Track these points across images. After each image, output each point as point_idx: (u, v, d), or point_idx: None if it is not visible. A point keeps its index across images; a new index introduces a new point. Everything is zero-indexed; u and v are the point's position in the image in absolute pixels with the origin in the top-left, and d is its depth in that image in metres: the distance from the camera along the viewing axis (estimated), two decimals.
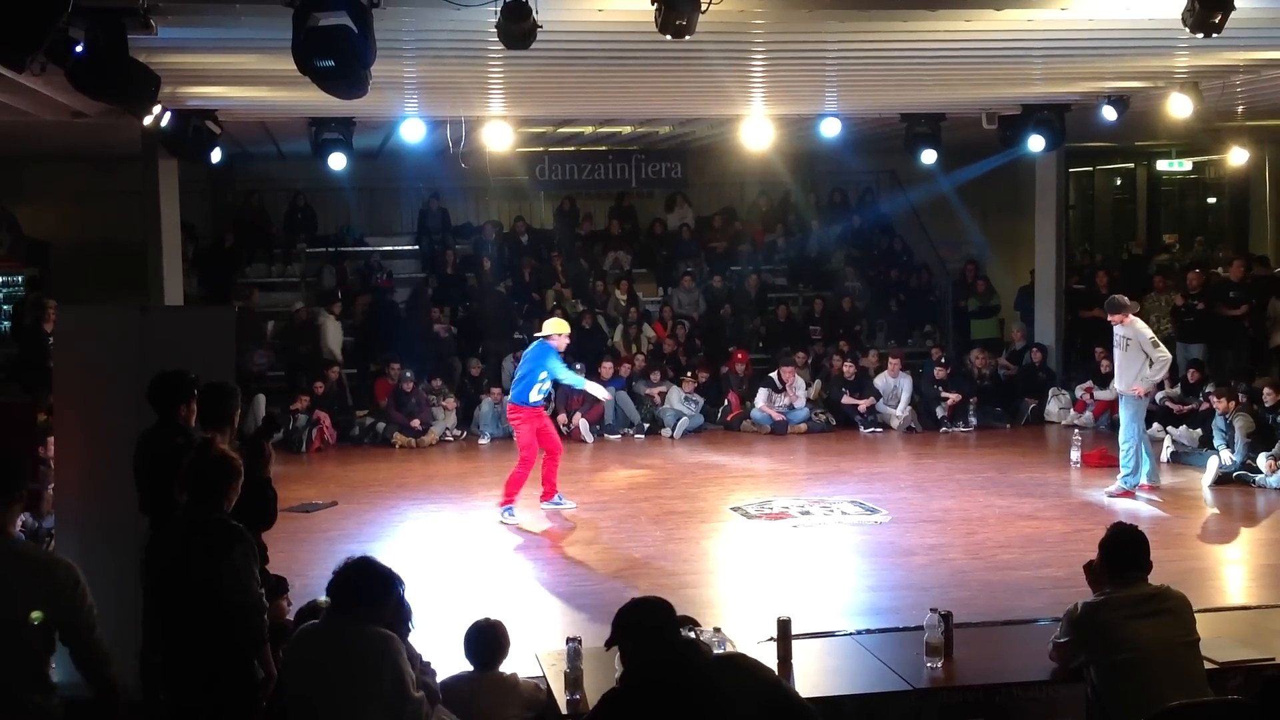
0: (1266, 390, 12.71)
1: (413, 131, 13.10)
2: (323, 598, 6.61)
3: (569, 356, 11.76)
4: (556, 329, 11.17)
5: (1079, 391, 15.97)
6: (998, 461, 13.43)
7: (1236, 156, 18.63)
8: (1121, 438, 11.66)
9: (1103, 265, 18.71)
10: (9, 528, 4.47)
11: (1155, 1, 7.99)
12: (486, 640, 5.54)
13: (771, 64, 10.53)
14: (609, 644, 4.32)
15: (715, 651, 4.97)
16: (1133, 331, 11.49)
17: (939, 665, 5.44)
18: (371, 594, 4.63)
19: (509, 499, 10.99)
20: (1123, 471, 11.61)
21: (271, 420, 6.70)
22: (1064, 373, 16.85)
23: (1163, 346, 11.66)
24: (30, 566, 4.40)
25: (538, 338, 11.28)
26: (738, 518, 11.09)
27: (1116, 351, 11.71)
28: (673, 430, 15.64)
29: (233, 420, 6.09)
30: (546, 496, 11.23)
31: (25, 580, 4.34)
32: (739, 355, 16.81)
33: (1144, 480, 11.66)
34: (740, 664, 4.33)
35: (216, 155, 13.32)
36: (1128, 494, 11.54)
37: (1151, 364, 11.41)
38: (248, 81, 10.81)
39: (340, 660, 4.51)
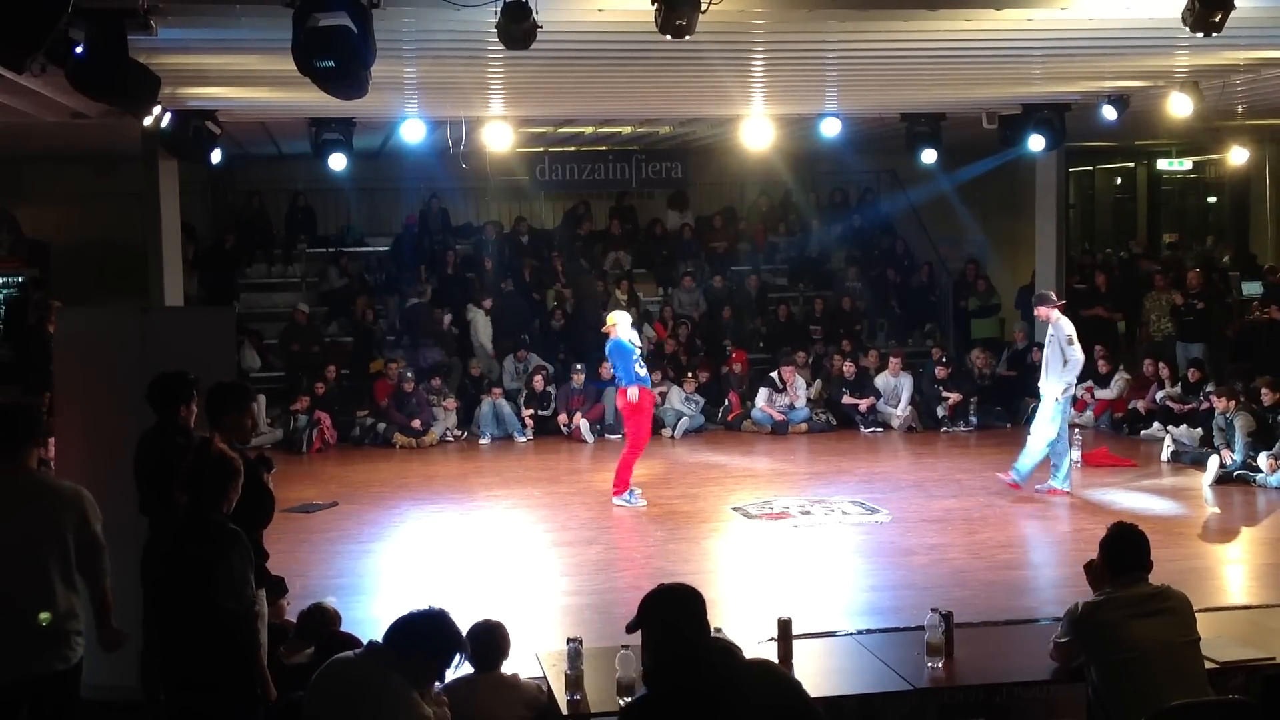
0: (1264, 390, 12.71)
1: (413, 132, 13.09)
2: (330, 599, 6.63)
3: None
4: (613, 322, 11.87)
5: (1079, 391, 15.96)
6: (998, 461, 13.38)
7: (1237, 156, 18.64)
8: (1044, 437, 11.62)
9: (1103, 264, 18.72)
10: (31, 464, 5.24)
11: (1155, 1, 7.99)
12: (486, 641, 5.53)
13: (771, 64, 10.52)
14: (630, 627, 4.17)
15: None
16: (1056, 328, 11.54)
17: (940, 665, 5.43)
18: (429, 653, 4.52)
19: (625, 485, 11.51)
20: (1054, 467, 11.66)
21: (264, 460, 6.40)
22: None
23: (1078, 345, 11.52)
24: (62, 492, 5.22)
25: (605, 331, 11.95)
26: (738, 518, 11.09)
27: (1047, 349, 11.73)
28: (673, 430, 15.64)
29: (235, 420, 6.08)
30: (619, 489, 11.60)
31: (60, 504, 5.13)
32: (735, 356, 16.82)
33: (1058, 484, 11.64)
34: (766, 673, 4.17)
35: (216, 156, 13.31)
36: (1057, 492, 11.58)
37: (1066, 363, 11.39)
38: (248, 82, 10.81)
39: (358, 698, 4.42)
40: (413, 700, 4.42)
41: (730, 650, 4.14)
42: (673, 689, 3.94)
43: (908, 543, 10.12)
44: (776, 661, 5.42)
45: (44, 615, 5.06)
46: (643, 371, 11.66)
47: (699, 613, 4.05)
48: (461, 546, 10.36)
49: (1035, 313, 12.01)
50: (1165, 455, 13.37)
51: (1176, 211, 23.81)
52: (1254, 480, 11.94)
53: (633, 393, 11.47)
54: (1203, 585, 8.51)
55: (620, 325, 11.71)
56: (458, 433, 15.62)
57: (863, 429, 15.86)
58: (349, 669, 4.51)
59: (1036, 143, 13.48)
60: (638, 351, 11.78)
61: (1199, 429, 13.61)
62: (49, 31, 6.20)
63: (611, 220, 19.62)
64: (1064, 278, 17.20)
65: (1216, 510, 11.31)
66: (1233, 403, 12.55)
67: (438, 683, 4.75)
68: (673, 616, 4.03)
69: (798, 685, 4.18)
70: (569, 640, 5.29)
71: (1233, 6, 7.34)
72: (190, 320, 8.98)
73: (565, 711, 5.15)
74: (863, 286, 19.09)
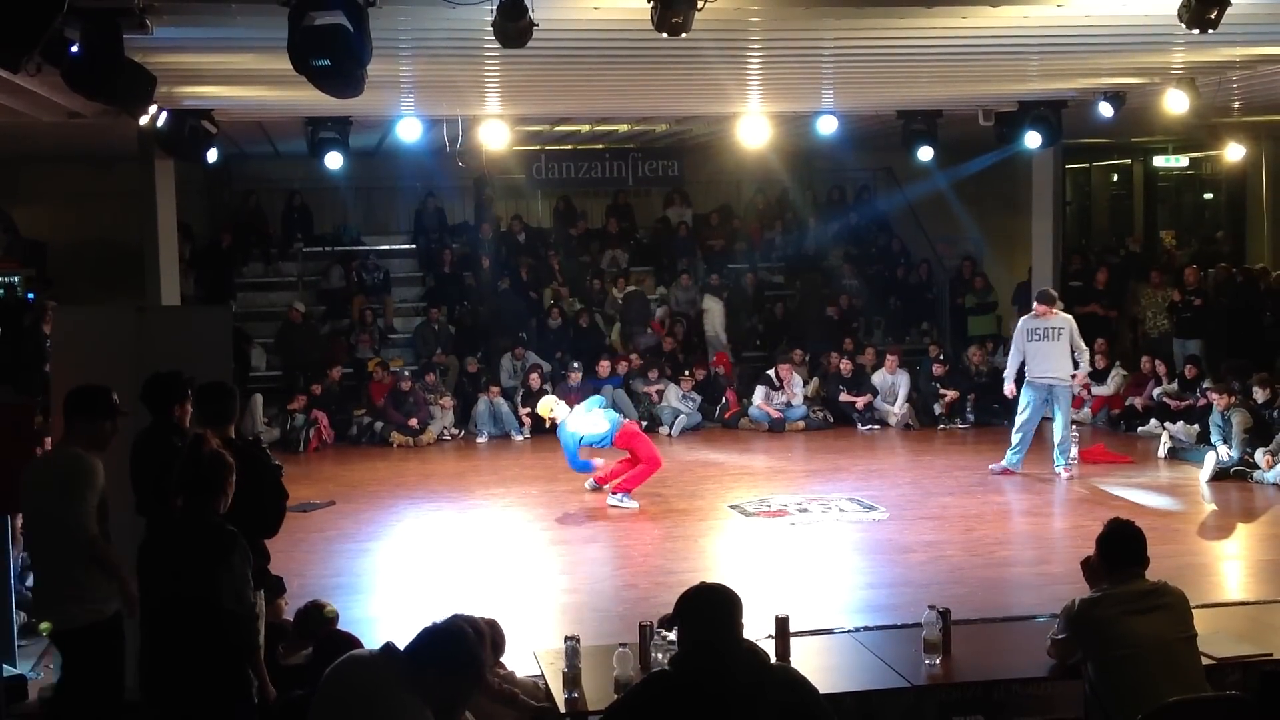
0: (1256, 387, 12.72)
1: (409, 130, 13.07)
2: (330, 607, 6.61)
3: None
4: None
5: (1077, 388, 15.96)
6: (995, 458, 13.39)
7: (1233, 152, 18.64)
8: (1023, 421, 12.40)
9: (1100, 261, 18.73)
10: (76, 440, 5.65)
11: None
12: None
13: (768, 61, 10.52)
14: (667, 623, 4.11)
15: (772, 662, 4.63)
16: (1064, 322, 12.34)
17: (937, 662, 5.43)
18: (440, 671, 4.22)
19: (629, 490, 11.45)
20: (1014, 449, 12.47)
21: None
22: None
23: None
24: (65, 464, 5.62)
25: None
26: (736, 515, 11.10)
27: (1043, 343, 12.27)
28: (670, 428, 15.64)
29: (230, 420, 6.08)
30: (620, 488, 11.54)
31: (62, 475, 5.55)
32: (717, 359, 16.81)
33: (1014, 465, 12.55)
34: (787, 678, 4.14)
35: (213, 155, 13.29)
36: (1010, 473, 12.40)
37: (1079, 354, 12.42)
38: (244, 81, 10.79)
39: (368, 710, 4.22)
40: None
41: (754, 654, 4.09)
42: (691, 681, 3.95)
43: (905, 540, 10.12)
44: (774, 659, 5.43)
45: (44, 626, 5.56)
46: (605, 425, 11.56)
47: (729, 616, 4.04)
48: (459, 545, 10.36)
49: (1036, 308, 12.51)
50: (1162, 452, 13.39)
51: (1173, 208, 23.81)
52: (1251, 476, 11.95)
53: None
54: (1200, 581, 8.52)
55: (558, 412, 11.71)
56: (455, 431, 15.61)
57: (860, 426, 15.86)
58: (362, 676, 4.27)
59: (1033, 139, 13.48)
60: (594, 412, 11.68)
61: (1196, 425, 13.62)
62: (44, 31, 6.18)
63: (608, 218, 19.60)
64: (1060, 275, 17.22)
65: (1213, 506, 11.33)
66: (1230, 399, 12.56)
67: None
68: (700, 621, 4.04)
69: (817, 694, 4.11)
70: (566, 638, 5.29)
71: (1229, 3, 7.33)
72: (187, 319, 8.98)
73: (563, 709, 5.15)
74: (859, 284, 19.10)
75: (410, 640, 4.27)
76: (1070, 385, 12.56)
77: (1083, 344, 12.50)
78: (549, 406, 11.86)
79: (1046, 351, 12.25)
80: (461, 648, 4.24)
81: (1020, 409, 12.45)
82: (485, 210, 19.41)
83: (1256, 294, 16.81)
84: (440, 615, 4.52)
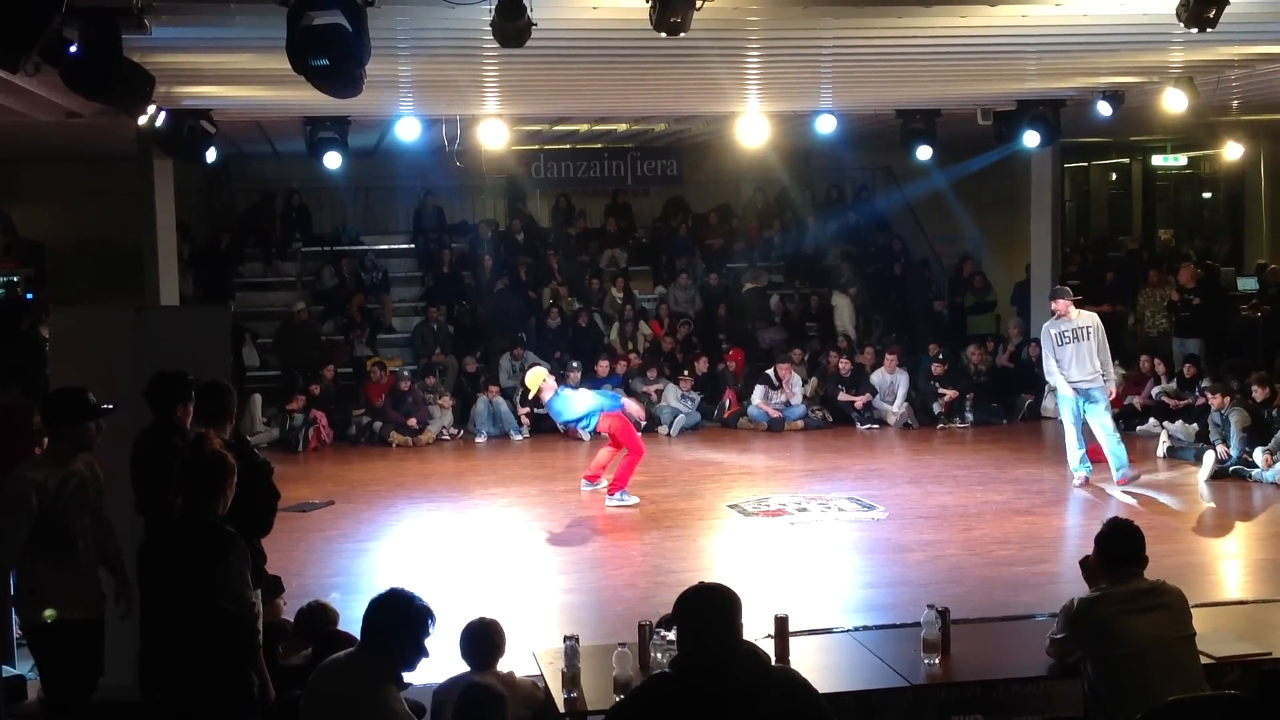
0: (1255, 386, 12.72)
1: (408, 130, 13.07)
2: (334, 595, 6.62)
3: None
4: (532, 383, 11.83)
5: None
6: (994, 457, 13.43)
7: (1231, 151, 18.68)
8: (1111, 428, 11.84)
9: (1101, 260, 18.77)
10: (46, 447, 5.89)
11: None
12: (482, 639, 5.53)
13: (767, 61, 10.52)
14: (666, 623, 4.10)
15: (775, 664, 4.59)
16: (1090, 319, 11.81)
17: (936, 661, 5.43)
18: (390, 632, 4.35)
19: (623, 486, 11.42)
20: (1120, 460, 11.76)
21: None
22: None
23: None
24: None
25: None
26: (735, 515, 11.10)
27: (1073, 345, 11.65)
28: (670, 428, 15.64)
29: (229, 419, 6.08)
30: (615, 487, 11.54)
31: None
32: (731, 354, 16.83)
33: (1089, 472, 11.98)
34: (788, 681, 4.12)
35: (211, 155, 13.29)
36: (1089, 481, 11.88)
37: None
38: (242, 81, 10.79)
39: (344, 702, 4.34)
40: (392, 710, 4.30)
41: (754, 654, 4.07)
42: (691, 682, 3.94)
43: (904, 539, 10.12)
44: (774, 659, 5.43)
45: (47, 613, 5.53)
46: (595, 402, 11.62)
47: (728, 616, 4.02)
48: (458, 545, 10.36)
49: (1054, 306, 11.94)
50: (1161, 451, 13.40)
51: (1171, 207, 23.84)
52: (1249, 475, 11.95)
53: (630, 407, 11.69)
54: (1198, 580, 8.51)
55: (547, 385, 11.70)
56: (454, 431, 15.61)
57: (859, 426, 15.86)
58: (337, 679, 4.39)
59: (1031, 139, 13.49)
60: (575, 392, 11.71)
61: (1194, 424, 13.63)
62: (43, 30, 6.19)
63: (607, 218, 19.60)
64: (1059, 273, 17.23)
65: (1212, 505, 11.33)
66: (1228, 398, 12.55)
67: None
68: (699, 622, 4.02)
69: (817, 696, 4.10)
70: (566, 638, 5.28)
71: (1227, 2, 7.34)
72: (186, 319, 8.98)
73: (562, 709, 5.15)
74: (859, 283, 19.09)
75: (362, 624, 4.37)
76: (1104, 386, 11.80)
77: (1109, 355, 11.90)
78: (539, 378, 11.74)
79: (1079, 354, 11.62)
80: (393, 614, 4.35)
81: (1067, 423, 11.86)
82: (519, 205, 19.43)
83: (1218, 290, 16.83)
84: (437, 614, 4.53)
